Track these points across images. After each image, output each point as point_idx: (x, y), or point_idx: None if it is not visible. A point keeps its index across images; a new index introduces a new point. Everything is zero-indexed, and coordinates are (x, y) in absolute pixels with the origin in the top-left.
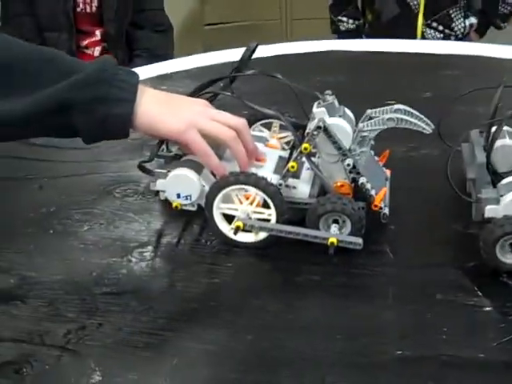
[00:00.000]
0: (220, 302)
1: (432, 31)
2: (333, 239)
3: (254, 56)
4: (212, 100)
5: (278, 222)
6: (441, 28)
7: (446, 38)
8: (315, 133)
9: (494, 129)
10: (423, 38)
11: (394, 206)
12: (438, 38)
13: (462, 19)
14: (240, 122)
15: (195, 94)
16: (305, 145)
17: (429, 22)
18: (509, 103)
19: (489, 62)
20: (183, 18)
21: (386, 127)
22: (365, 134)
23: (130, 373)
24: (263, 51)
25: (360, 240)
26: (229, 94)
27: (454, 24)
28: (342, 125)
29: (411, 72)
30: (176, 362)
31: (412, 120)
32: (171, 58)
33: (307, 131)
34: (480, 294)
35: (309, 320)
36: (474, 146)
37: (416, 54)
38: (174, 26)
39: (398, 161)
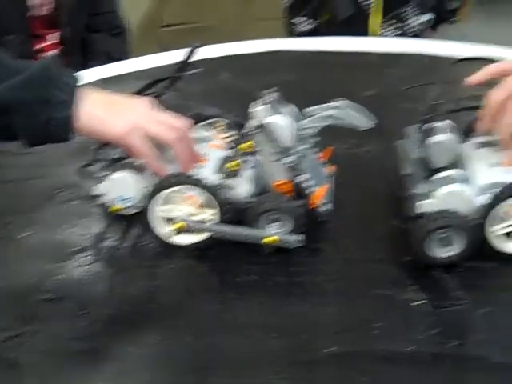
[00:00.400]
0: (158, 304)
1: (387, 29)
2: (272, 238)
3: (205, 56)
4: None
5: (218, 222)
6: (396, 26)
7: (403, 35)
8: (255, 131)
9: (428, 125)
10: (379, 36)
11: (336, 203)
12: (394, 36)
13: (416, 16)
14: (183, 123)
15: (139, 94)
16: (244, 144)
17: (385, 19)
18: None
19: (434, 60)
20: (140, 19)
21: (325, 124)
22: (305, 131)
23: (70, 380)
24: (213, 51)
25: (300, 238)
26: (172, 93)
27: (409, 21)
28: (281, 123)
29: (357, 70)
30: (115, 368)
31: (352, 116)
32: None
33: (248, 130)
34: (413, 287)
35: (246, 320)
36: (410, 142)
37: (363, 52)
38: (131, 28)
39: (340, 158)
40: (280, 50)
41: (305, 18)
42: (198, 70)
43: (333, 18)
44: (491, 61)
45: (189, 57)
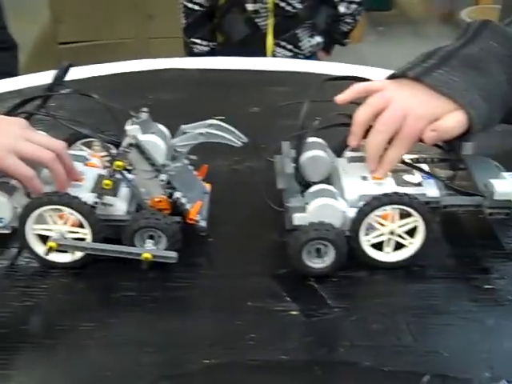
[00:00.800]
0: (33, 324)
1: (281, 50)
2: (147, 254)
3: (92, 74)
4: (27, 119)
5: (93, 240)
6: (289, 47)
7: (295, 56)
8: (128, 150)
9: (300, 141)
10: (274, 57)
11: (215, 218)
12: (288, 57)
13: (308, 38)
14: (58, 143)
15: (10, 114)
16: (118, 162)
17: (278, 41)
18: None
19: (316, 78)
20: (36, 36)
21: (197, 142)
22: (178, 149)
23: None
24: (97, 70)
25: (174, 254)
26: (44, 113)
27: (301, 43)
28: (154, 141)
29: (242, 88)
30: None
31: (222, 134)
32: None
33: (122, 148)
34: (288, 299)
35: (120, 336)
36: (284, 157)
37: (249, 71)
38: (26, 45)
39: (221, 174)
40: (169, 68)
41: (200, 40)
42: (72, 89)
43: (228, 40)
44: (359, 79)
45: (60, 76)
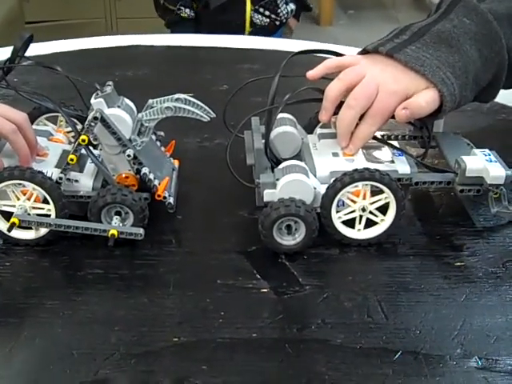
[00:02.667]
0: None
1: (259, 16)
2: (113, 231)
3: (57, 50)
4: None
5: (57, 216)
6: (267, 13)
7: (272, 22)
8: (92, 124)
9: (270, 117)
10: (252, 22)
11: (183, 195)
12: (265, 23)
13: (284, 5)
14: (20, 115)
15: None
16: (82, 136)
17: (256, 7)
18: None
19: (285, 55)
20: (2, 16)
21: (164, 116)
22: (145, 123)
23: None
24: (66, 46)
25: (141, 230)
26: (5, 86)
27: (279, 10)
28: (120, 115)
29: (212, 66)
30: None
31: (190, 109)
32: None
33: (87, 123)
34: (259, 276)
35: (87, 314)
36: (254, 133)
37: (217, 48)
38: None
39: (191, 151)
40: (135, 45)
41: (183, 8)
42: (33, 61)
43: (205, 7)
44: (330, 53)
45: (20, 48)
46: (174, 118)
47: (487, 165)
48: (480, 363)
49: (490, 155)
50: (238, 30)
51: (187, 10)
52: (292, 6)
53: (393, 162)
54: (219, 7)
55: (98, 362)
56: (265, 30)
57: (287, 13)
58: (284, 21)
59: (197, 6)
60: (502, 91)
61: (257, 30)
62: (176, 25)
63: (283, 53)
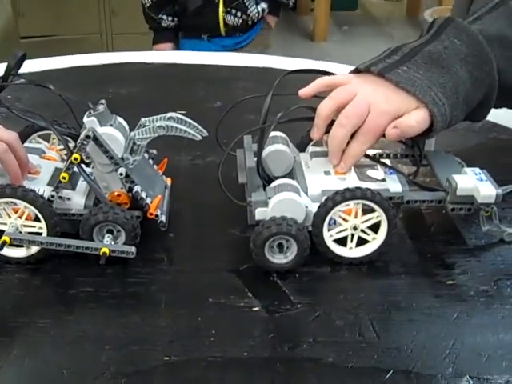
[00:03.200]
0: None
1: (231, 17)
2: (105, 249)
3: (50, 67)
4: None
5: (49, 234)
6: (238, 14)
7: (244, 22)
8: (85, 142)
9: (262, 135)
10: (225, 23)
11: (176, 213)
12: (238, 23)
13: (254, 6)
14: (11, 135)
15: None
16: (75, 155)
17: (228, 9)
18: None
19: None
20: None
21: (156, 135)
22: (137, 142)
23: None
24: (59, 63)
25: (133, 249)
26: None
27: (248, 10)
28: (112, 133)
29: (205, 83)
30: None
31: (182, 128)
32: None
33: (79, 141)
34: (250, 295)
35: (78, 333)
36: (246, 151)
37: (213, 65)
38: None
39: (182, 169)
40: (128, 62)
41: (165, 16)
42: (26, 80)
43: (184, 10)
44: (322, 72)
45: (13, 66)
46: (167, 136)
47: (478, 184)
48: (471, 382)
49: (480, 174)
50: (214, 31)
51: (169, 19)
52: (263, 6)
53: (384, 180)
54: (196, 10)
55: (88, 381)
56: (238, 30)
57: (257, 12)
58: (256, 20)
59: (176, 12)
60: (493, 110)
61: (230, 31)
62: (157, 33)
63: (277, 70)
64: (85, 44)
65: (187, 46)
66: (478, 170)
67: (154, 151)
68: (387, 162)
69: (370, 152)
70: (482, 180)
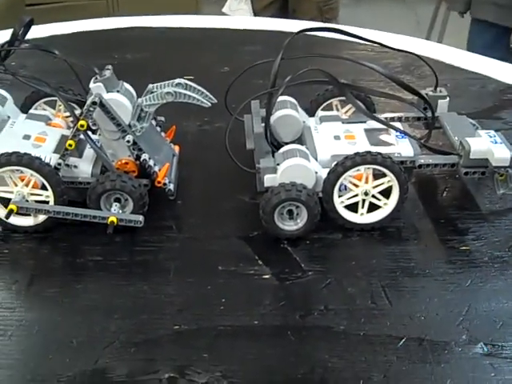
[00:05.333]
0: None
1: None
2: (112, 218)
3: (54, 33)
4: None
5: (56, 203)
6: None
7: None
8: (91, 108)
9: (270, 100)
10: None
11: (184, 180)
12: None
13: None
14: None
15: None
16: (81, 121)
17: None
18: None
19: (284, 37)
20: None
21: (164, 101)
22: (145, 108)
23: None
24: (65, 28)
25: (140, 217)
26: (4, 71)
27: None
28: (119, 100)
29: (212, 48)
30: None
31: (191, 94)
32: None
33: (86, 107)
34: (260, 262)
35: (86, 302)
36: (254, 116)
37: (218, 29)
38: None
39: (190, 135)
40: (134, 27)
41: None
42: (31, 45)
43: None
44: (332, 30)
45: (20, 31)
46: (174, 102)
47: (492, 146)
48: (486, 349)
49: (495, 136)
50: None
51: None
52: None
53: (396, 144)
54: None
55: (98, 350)
56: None
57: None
58: None
59: None
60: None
61: None
62: None
63: (285, 33)
64: (90, 10)
65: None
66: (492, 132)
67: (162, 118)
68: (398, 125)
69: (381, 115)
70: (496, 143)
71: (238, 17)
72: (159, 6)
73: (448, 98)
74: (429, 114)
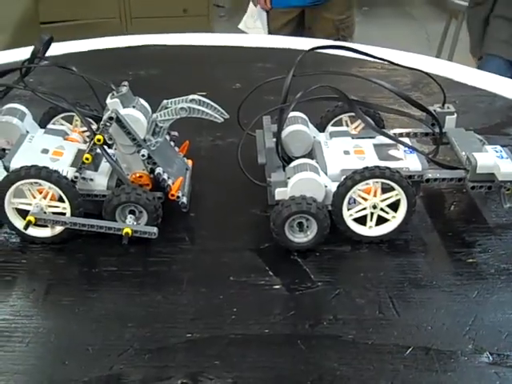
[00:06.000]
0: (13, 297)
1: None
2: (127, 229)
3: (70, 50)
4: (6, 93)
5: (73, 215)
6: None
7: None
8: (108, 123)
9: (281, 115)
10: None
11: (197, 194)
12: None
13: None
14: None
15: None
16: (98, 136)
17: None
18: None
19: (296, 55)
20: (18, 16)
21: (178, 117)
22: (159, 124)
23: None
24: (81, 46)
25: (154, 229)
26: (21, 87)
27: None
28: (135, 115)
29: (225, 65)
30: None
31: (204, 110)
32: None
33: (102, 122)
34: (271, 273)
35: (102, 311)
36: (266, 132)
37: (230, 47)
38: (7, 25)
39: (204, 150)
40: (147, 45)
41: None
42: (52, 63)
43: None
44: (343, 48)
45: (40, 49)
46: (187, 117)
47: (498, 161)
48: (491, 359)
49: (501, 152)
50: None
51: None
52: None
53: (404, 159)
54: None
55: (113, 357)
56: None
57: None
58: None
59: None
60: None
61: None
62: None
63: (295, 51)
64: (104, 28)
65: None
66: (499, 147)
67: (176, 133)
68: (407, 140)
69: (390, 131)
70: (502, 158)
71: (250, 35)
72: (171, 25)
73: (455, 114)
74: (437, 129)
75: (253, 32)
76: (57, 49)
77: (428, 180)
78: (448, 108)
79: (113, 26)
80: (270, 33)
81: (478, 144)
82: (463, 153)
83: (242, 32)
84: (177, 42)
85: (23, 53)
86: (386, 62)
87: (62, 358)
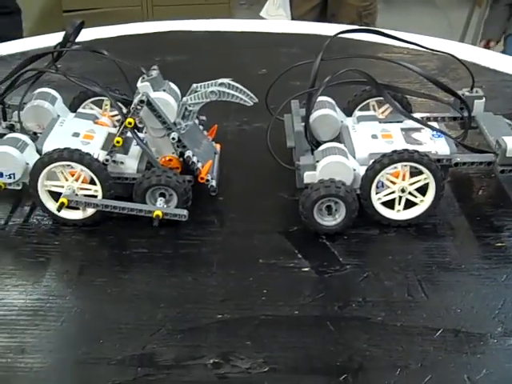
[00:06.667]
0: (46, 279)
1: None
2: (158, 212)
3: (97, 36)
4: (37, 78)
5: (104, 197)
6: None
7: None
8: (139, 107)
9: (310, 100)
10: None
11: (225, 177)
12: None
13: None
14: None
15: (18, 71)
16: (129, 119)
17: None
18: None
19: (321, 40)
20: (42, 4)
21: (208, 100)
22: (189, 107)
23: None
24: (107, 32)
25: (185, 212)
26: (53, 71)
27: None
28: (165, 98)
29: (250, 50)
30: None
31: (234, 93)
32: None
33: (133, 106)
34: (300, 256)
35: (134, 292)
36: (294, 116)
37: (255, 32)
38: (31, 13)
39: (231, 134)
40: (173, 31)
41: None
42: (83, 47)
43: None
44: (371, 32)
45: (71, 34)
46: (214, 102)
47: None
48: None
49: None
50: None
51: None
52: None
53: (432, 143)
54: None
55: (145, 336)
56: None
57: None
58: None
59: None
60: None
61: None
62: None
63: (319, 37)
64: (126, 16)
65: None
66: None
67: (204, 117)
68: (435, 124)
69: (418, 115)
70: None
71: (274, 21)
72: (192, 12)
73: (484, 99)
74: (465, 113)
75: (275, 19)
76: (82, 35)
77: (457, 164)
78: (476, 92)
79: (134, 13)
80: (293, 20)
81: (507, 128)
82: (492, 137)
83: (264, 19)
84: (202, 28)
85: (49, 39)
86: (411, 47)
87: (97, 337)
